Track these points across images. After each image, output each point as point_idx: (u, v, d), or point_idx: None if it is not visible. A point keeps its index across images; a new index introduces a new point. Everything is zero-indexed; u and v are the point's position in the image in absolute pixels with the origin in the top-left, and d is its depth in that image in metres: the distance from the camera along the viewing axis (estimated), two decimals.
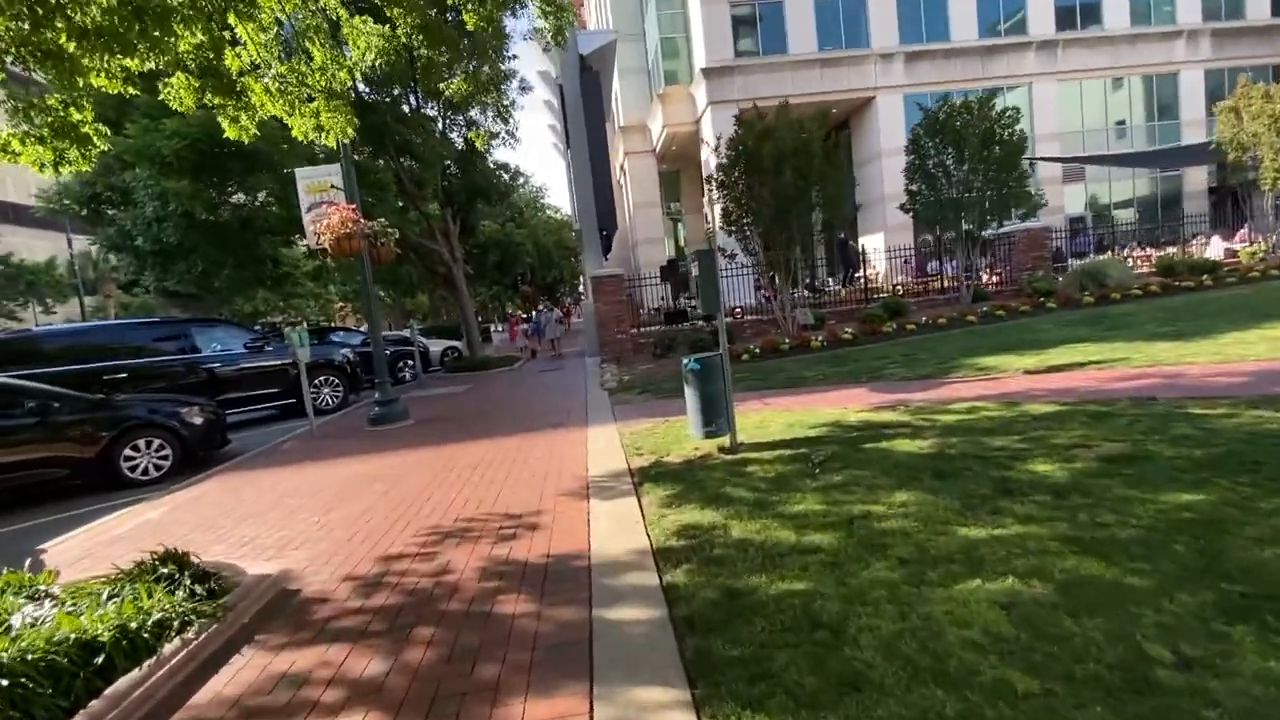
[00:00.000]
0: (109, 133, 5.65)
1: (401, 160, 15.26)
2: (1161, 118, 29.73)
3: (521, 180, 34.03)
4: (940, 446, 4.57)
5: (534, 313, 31.54)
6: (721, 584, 2.99)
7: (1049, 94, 27.61)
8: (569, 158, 22.18)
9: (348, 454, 7.51)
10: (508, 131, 15.06)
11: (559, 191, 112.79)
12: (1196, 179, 29.90)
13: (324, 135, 7.13)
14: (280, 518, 5.19)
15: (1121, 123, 29.72)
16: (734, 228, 11.65)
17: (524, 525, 4.26)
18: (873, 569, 2.91)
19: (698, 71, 26.90)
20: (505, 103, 12.72)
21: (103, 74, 5.21)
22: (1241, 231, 18.79)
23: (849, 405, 6.47)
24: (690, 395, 5.27)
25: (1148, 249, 20.07)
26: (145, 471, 7.77)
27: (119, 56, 5.13)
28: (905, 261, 19.29)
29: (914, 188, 12.80)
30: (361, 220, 8.62)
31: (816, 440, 5.24)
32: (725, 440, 5.34)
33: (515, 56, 12.59)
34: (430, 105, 17.11)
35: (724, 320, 5.46)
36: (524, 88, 19.16)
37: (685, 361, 5.24)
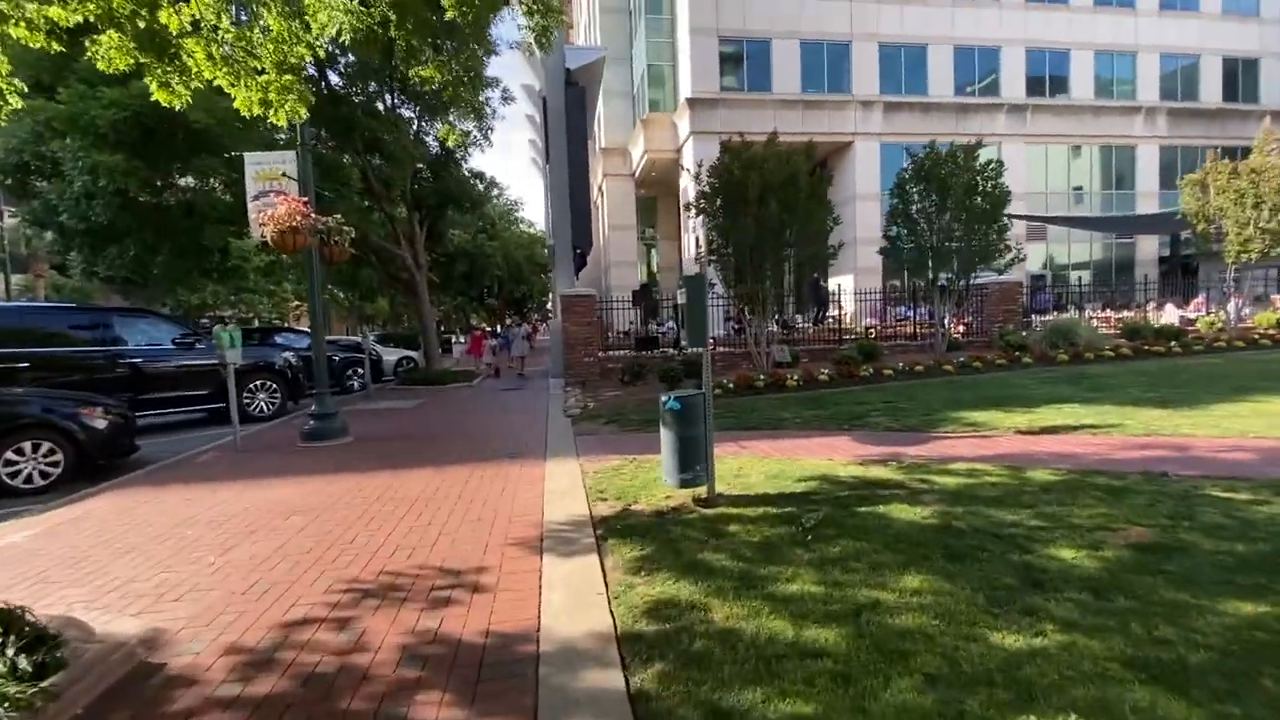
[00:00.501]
0: (25, 89, 4.86)
1: (369, 158, 14.46)
2: (1118, 187, 31.10)
3: (496, 192, 33.37)
4: (945, 517, 4.06)
5: (499, 327, 30.60)
6: (706, 697, 2.35)
7: (1017, 155, 28.54)
8: (547, 173, 21.68)
9: (270, 474, 6.62)
10: (480, 131, 14.39)
11: (535, 207, 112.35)
12: (1148, 248, 31.25)
13: (272, 112, 6.40)
14: (169, 553, 4.33)
15: (1080, 188, 30.91)
16: (714, 257, 11.24)
17: (463, 585, 3.54)
18: (895, 688, 2.32)
19: (682, 101, 26.95)
20: (482, 99, 12.06)
21: (22, 24, 4.48)
22: (1197, 300, 19.41)
23: (834, 456, 5.95)
24: (666, 438, 4.66)
25: (1107, 310, 20.55)
26: (29, 479, 6.73)
27: (37, 2, 4.44)
28: (889, 304, 19.27)
29: (894, 232, 12.66)
30: (313, 215, 7.84)
31: (803, 497, 4.68)
32: (702, 490, 4.73)
33: (496, 53, 11.96)
34: (407, 106, 16.42)
35: (709, 356, 4.90)
36: (506, 98, 18.63)
37: (664, 400, 4.64)
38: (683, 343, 4.86)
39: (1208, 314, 17.13)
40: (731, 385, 10.20)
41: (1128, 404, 7.48)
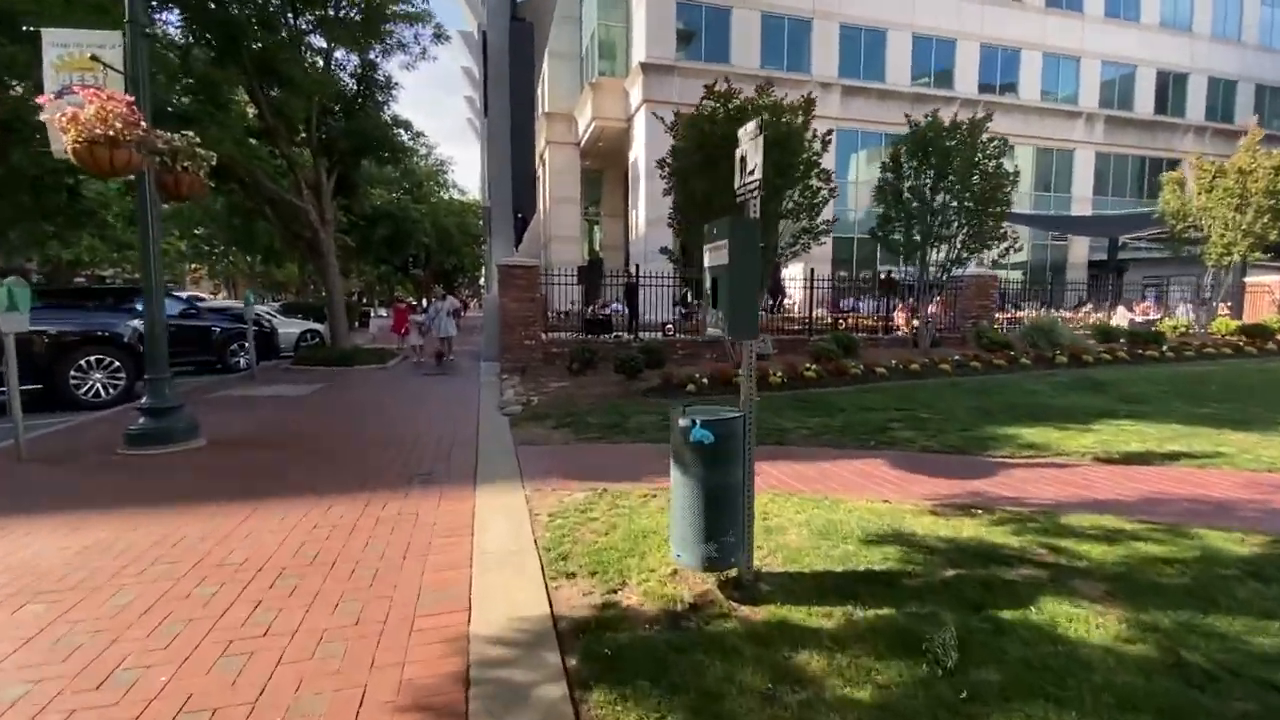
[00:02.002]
0: None
1: (262, 84, 11.64)
2: (1055, 190, 31.63)
3: (425, 149, 30.15)
4: (1151, 637, 2.45)
5: (425, 302, 27.59)
6: None
7: None
8: (485, 129, 19.16)
9: (44, 508, 4.31)
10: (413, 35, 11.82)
11: (466, 173, 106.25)
12: (1080, 250, 32.01)
13: None
14: None
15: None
16: (689, 227, 9.46)
17: None
18: None
19: (635, 65, 24.96)
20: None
21: None
22: (1145, 304, 19.38)
23: (886, 492, 4.31)
24: (683, 488, 2.83)
25: (1061, 311, 20.30)
26: None
27: None
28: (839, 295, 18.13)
29: (891, 213, 11.20)
30: (143, 124, 5.42)
31: (891, 581, 2.97)
32: (733, 569, 2.95)
33: None
34: (318, 33, 13.55)
35: (755, 359, 3.08)
36: (439, 35, 15.99)
37: (682, 425, 2.79)
38: (719, 331, 3.02)
39: (1162, 318, 16.95)
40: (706, 381, 8.48)
41: (1193, 422, 6.26)
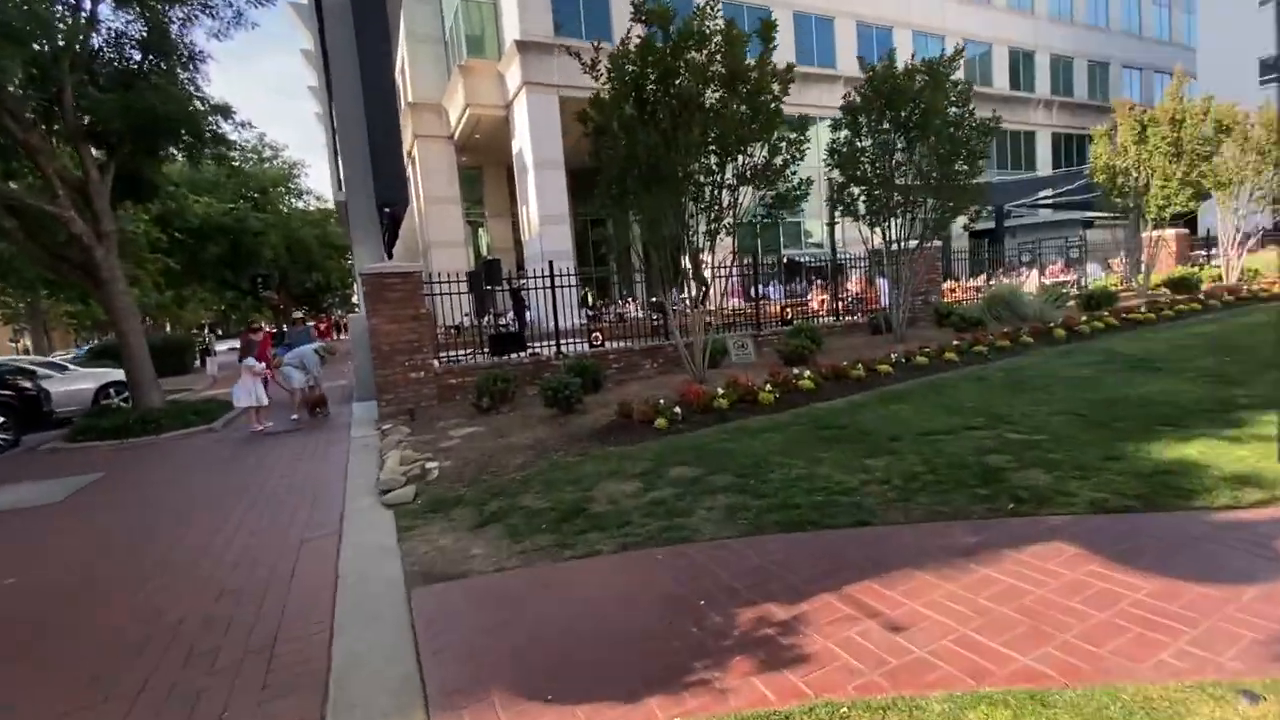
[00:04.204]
0: None
1: None
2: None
3: (270, 150, 25.27)
4: None
5: (283, 328, 22.95)
6: None
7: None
8: (332, 111, 15.57)
9: None
10: None
11: (324, 181, 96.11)
12: (959, 219, 33.50)
13: None
14: None
15: None
16: (613, 203, 7.02)
17: None
18: None
19: (510, 45, 22.18)
20: None
21: None
22: (1056, 266, 19.40)
23: (1190, 660, 2.14)
24: None
25: (965, 280, 19.93)
26: None
27: None
28: (773, 281, 16.47)
29: (855, 173, 9.29)
30: None
31: None
32: None
33: None
34: None
35: None
36: None
37: None
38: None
39: (1077, 279, 16.78)
40: (678, 410, 6.07)
41: None
